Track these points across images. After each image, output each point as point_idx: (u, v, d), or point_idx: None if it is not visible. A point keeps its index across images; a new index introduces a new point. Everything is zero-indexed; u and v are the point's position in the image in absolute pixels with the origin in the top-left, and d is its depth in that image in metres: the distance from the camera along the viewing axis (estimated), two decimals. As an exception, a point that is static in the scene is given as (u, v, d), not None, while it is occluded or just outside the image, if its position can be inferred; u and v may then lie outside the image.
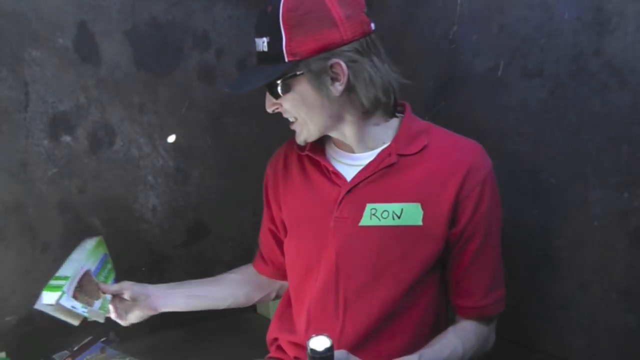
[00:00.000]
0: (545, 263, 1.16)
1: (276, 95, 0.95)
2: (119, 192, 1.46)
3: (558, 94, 1.10)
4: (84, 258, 1.09)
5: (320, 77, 0.91)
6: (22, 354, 1.34)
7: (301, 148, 1.06)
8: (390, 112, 1.01)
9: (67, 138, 1.37)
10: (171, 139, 1.52)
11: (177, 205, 1.55)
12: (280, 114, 1.01)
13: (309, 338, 0.80)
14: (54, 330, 1.39)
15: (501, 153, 1.21)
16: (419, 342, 0.98)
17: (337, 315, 0.99)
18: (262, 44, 0.92)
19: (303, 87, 0.93)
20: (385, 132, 1.01)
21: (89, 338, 1.19)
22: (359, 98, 0.95)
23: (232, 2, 1.56)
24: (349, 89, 0.93)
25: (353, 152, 1.01)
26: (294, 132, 1.07)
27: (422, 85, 1.37)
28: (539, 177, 1.15)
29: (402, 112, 1.04)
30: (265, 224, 1.18)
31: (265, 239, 1.19)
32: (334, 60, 0.90)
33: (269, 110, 0.99)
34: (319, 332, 0.80)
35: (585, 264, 1.09)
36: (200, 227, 1.60)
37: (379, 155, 0.98)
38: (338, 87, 0.92)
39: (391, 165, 0.97)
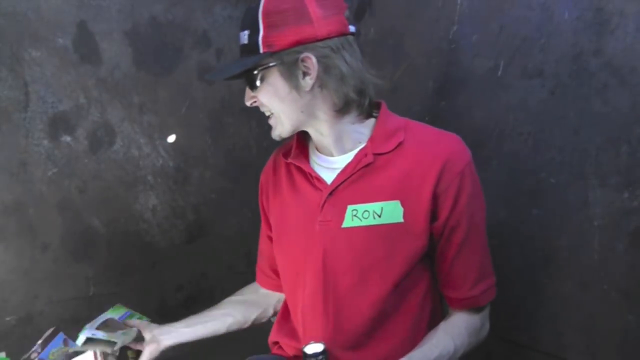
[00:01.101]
0: (545, 263, 1.16)
1: (252, 87, 0.98)
2: (119, 192, 1.46)
3: (558, 94, 1.10)
4: (103, 316, 1.13)
5: (292, 70, 0.94)
6: (22, 354, 1.34)
7: (285, 156, 1.07)
8: (365, 112, 1.01)
9: (67, 138, 1.37)
10: (171, 139, 1.52)
11: (176, 205, 1.55)
12: None
13: (306, 344, 0.84)
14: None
15: (501, 153, 1.21)
16: (417, 339, 0.99)
17: (329, 318, 1.00)
18: (244, 36, 0.96)
19: (276, 79, 0.95)
20: (361, 132, 1.01)
21: (51, 329, 1.16)
22: (330, 94, 0.96)
23: (232, 2, 1.56)
24: (321, 85, 0.96)
25: (332, 155, 1.02)
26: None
27: (422, 85, 1.37)
28: (539, 177, 1.15)
29: (379, 111, 1.03)
30: (263, 234, 1.19)
31: (265, 250, 1.19)
32: (306, 54, 0.93)
33: (247, 103, 1.02)
34: (317, 341, 0.85)
35: (585, 264, 1.09)
36: (200, 227, 1.60)
37: (356, 156, 0.99)
38: (308, 81, 0.95)
39: (368, 165, 0.98)
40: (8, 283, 1.34)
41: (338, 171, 1.00)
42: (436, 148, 0.97)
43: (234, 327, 1.18)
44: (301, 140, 1.07)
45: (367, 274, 0.97)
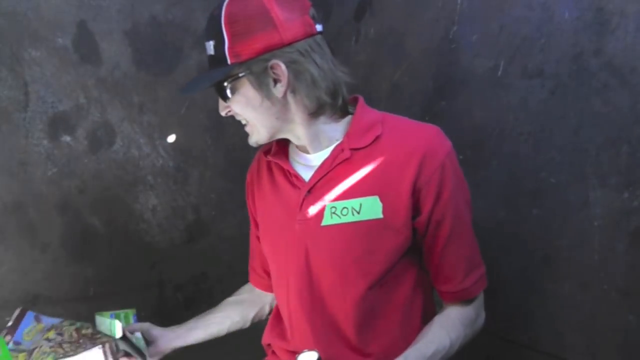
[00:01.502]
0: (545, 263, 1.16)
1: (224, 98, 0.96)
2: (119, 192, 1.46)
3: (558, 94, 1.10)
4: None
5: (261, 79, 0.92)
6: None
7: (265, 153, 1.06)
8: (340, 111, 1.00)
9: (67, 138, 1.37)
10: (171, 139, 1.52)
11: (177, 205, 1.55)
12: None
13: (299, 353, 0.82)
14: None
15: (501, 153, 1.21)
16: (410, 336, 0.98)
17: (316, 317, 0.99)
18: (210, 47, 0.94)
19: (247, 89, 0.94)
20: (336, 129, 1.00)
21: (18, 310, 1.10)
22: (302, 99, 0.95)
23: (232, 2, 1.56)
24: (292, 90, 0.94)
25: (310, 152, 1.01)
26: None
27: (422, 85, 1.37)
28: (539, 177, 1.15)
29: (355, 107, 1.02)
30: (253, 234, 1.18)
31: (256, 250, 1.18)
32: (274, 61, 0.91)
33: (222, 113, 1.00)
34: (310, 349, 0.83)
35: (585, 264, 1.09)
36: (200, 226, 1.60)
37: (332, 152, 0.98)
38: (280, 89, 0.93)
39: (345, 160, 0.96)
40: (8, 283, 1.34)
41: (315, 168, 0.99)
42: (414, 140, 0.95)
43: (234, 328, 1.18)
44: (281, 138, 1.04)
45: (348, 271, 0.96)
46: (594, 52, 1.04)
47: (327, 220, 0.96)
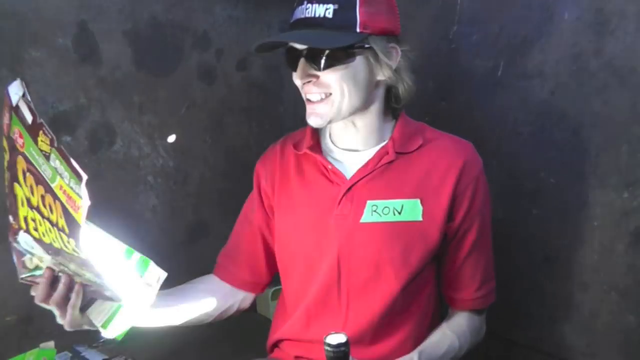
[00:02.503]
0: (545, 263, 1.16)
1: (330, 64, 0.92)
2: (119, 192, 1.46)
3: (558, 94, 1.10)
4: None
5: (381, 56, 0.94)
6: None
7: (298, 147, 1.06)
8: (397, 112, 1.04)
9: (67, 138, 1.37)
10: (171, 139, 1.52)
11: (177, 205, 1.55)
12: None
13: (327, 335, 0.80)
14: (54, 330, 1.39)
15: (501, 153, 1.21)
16: (419, 335, 1.01)
17: (340, 312, 1.00)
18: (326, 10, 0.90)
19: (361, 63, 0.94)
20: (386, 130, 1.03)
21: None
22: (400, 86, 0.98)
23: (232, 3, 1.56)
24: (394, 78, 0.97)
25: (352, 149, 1.02)
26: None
27: (422, 85, 1.37)
28: (539, 177, 1.15)
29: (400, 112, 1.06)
30: (253, 229, 1.12)
31: (251, 245, 1.12)
32: (393, 44, 0.95)
33: (302, 81, 0.95)
34: (337, 332, 0.81)
35: (585, 264, 1.09)
36: (200, 227, 1.60)
37: (377, 153, 1.00)
38: (387, 72, 0.96)
39: (390, 162, 0.99)
40: (8, 283, 1.34)
41: (356, 166, 1.00)
42: (455, 152, 0.99)
43: (194, 323, 1.08)
44: (315, 132, 1.05)
45: (382, 269, 0.97)
46: (594, 52, 1.04)
47: (366, 218, 0.97)
